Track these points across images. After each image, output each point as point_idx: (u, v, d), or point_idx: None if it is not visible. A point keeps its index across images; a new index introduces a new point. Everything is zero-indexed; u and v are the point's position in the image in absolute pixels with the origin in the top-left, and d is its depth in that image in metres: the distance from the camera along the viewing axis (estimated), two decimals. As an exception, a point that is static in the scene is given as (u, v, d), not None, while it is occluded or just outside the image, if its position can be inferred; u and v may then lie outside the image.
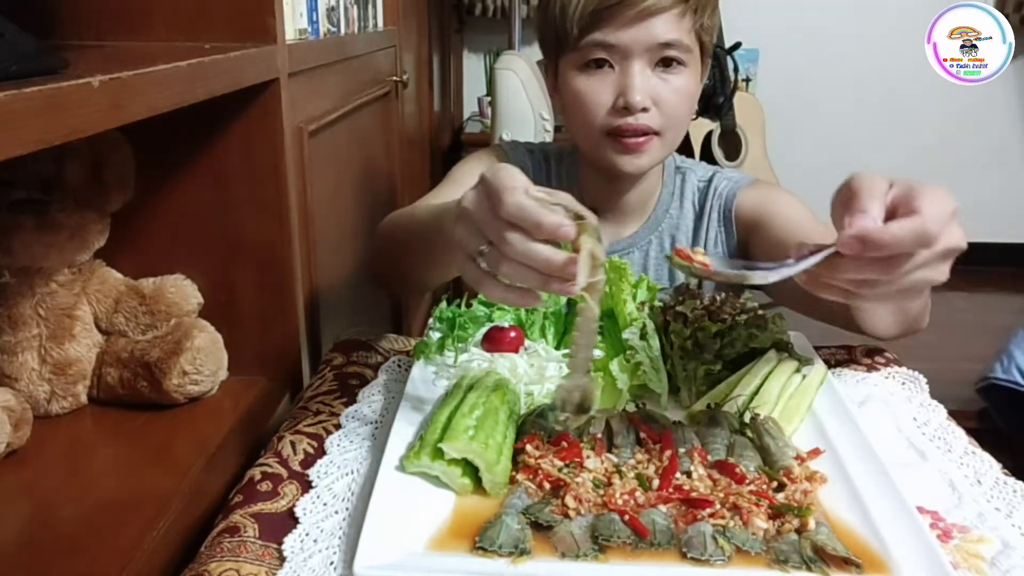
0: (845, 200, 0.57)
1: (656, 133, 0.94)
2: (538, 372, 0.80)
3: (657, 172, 1.07)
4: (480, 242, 0.59)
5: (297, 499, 0.65)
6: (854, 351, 0.94)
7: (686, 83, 0.95)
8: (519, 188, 0.57)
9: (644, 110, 0.92)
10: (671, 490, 0.63)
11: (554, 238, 0.56)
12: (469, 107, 3.60)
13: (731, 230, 1.06)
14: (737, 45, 2.77)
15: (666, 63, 0.93)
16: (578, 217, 0.57)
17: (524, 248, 0.56)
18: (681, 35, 0.92)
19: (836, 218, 0.58)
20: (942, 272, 0.58)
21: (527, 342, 0.84)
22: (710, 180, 1.09)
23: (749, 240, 1.05)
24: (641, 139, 0.94)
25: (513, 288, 0.60)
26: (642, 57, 0.92)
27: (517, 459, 0.66)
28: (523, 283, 0.58)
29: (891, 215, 0.55)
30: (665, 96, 0.93)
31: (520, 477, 0.64)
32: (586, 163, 1.06)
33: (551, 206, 0.57)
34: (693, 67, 0.96)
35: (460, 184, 1.03)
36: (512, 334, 0.83)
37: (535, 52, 1.05)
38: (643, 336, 0.80)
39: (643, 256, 1.08)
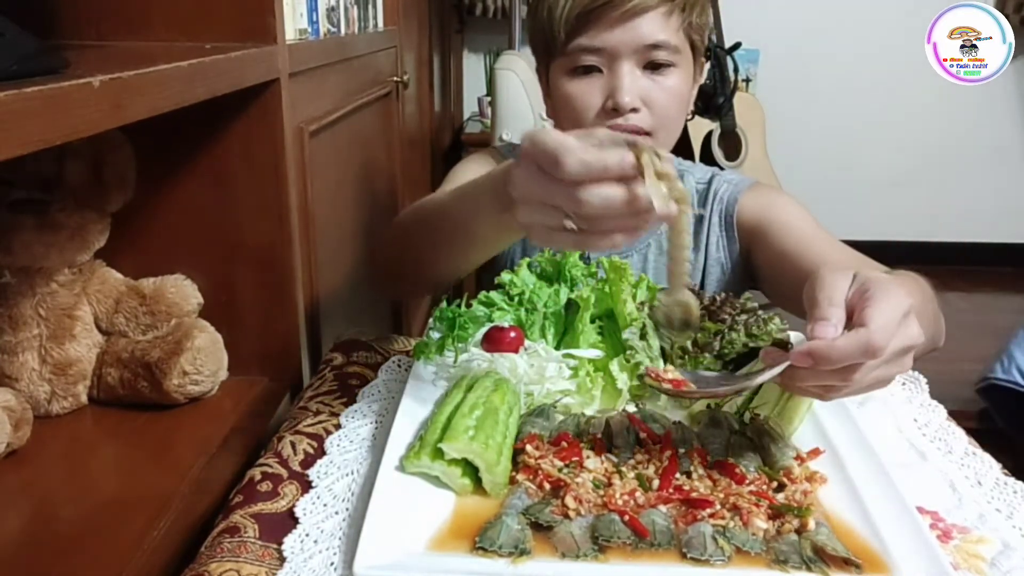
0: (808, 302, 0.61)
1: (647, 134, 0.94)
2: (538, 372, 0.80)
3: None
4: (555, 216, 0.58)
5: (297, 499, 0.65)
6: (854, 351, 0.94)
7: (676, 83, 0.94)
8: (569, 147, 0.55)
9: (634, 111, 0.92)
10: (671, 490, 0.63)
11: (622, 174, 0.55)
12: (469, 107, 3.60)
13: (733, 235, 1.06)
14: (737, 45, 2.77)
15: (655, 66, 0.93)
16: (627, 143, 0.57)
17: (602, 200, 0.55)
18: (669, 35, 0.92)
19: (808, 313, 0.61)
20: (902, 366, 0.61)
21: (527, 342, 0.84)
22: (709, 183, 1.09)
23: (752, 247, 1.05)
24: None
25: (619, 223, 0.58)
26: (630, 58, 0.92)
27: (517, 459, 0.66)
28: (614, 227, 0.57)
29: (849, 315, 0.59)
30: (655, 96, 0.93)
31: (520, 477, 0.64)
32: None
33: (599, 144, 0.56)
34: (684, 67, 0.95)
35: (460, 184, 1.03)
36: (512, 334, 0.83)
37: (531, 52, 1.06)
38: (643, 336, 0.80)
39: (642, 259, 1.08)
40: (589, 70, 0.93)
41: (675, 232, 0.62)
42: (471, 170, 1.05)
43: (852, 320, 0.59)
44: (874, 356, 0.57)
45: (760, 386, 0.69)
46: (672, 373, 0.66)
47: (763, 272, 1.04)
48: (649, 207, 0.56)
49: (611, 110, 0.92)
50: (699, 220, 1.09)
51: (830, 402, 0.75)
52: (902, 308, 0.59)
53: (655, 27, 0.91)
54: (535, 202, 0.59)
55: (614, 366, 0.78)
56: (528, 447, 0.67)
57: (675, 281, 0.65)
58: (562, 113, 0.98)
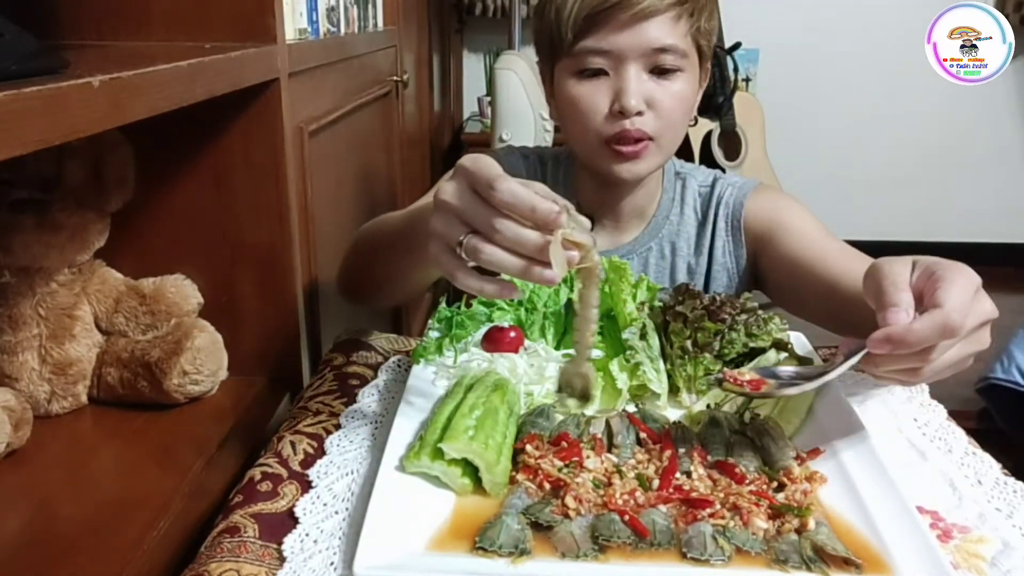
0: (874, 292, 0.62)
1: (652, 139, 0.94)
2: (538, 372, 0.80)
3: (656, 178, 1.07)
4: (460, 231, 0.59)
5: (297, 499, 0.65)
6: (854, 351, 0.94)
7: (683, 88, 0.94)
8: (506, 177, 0.58)
9: (639, 114, 0.92)
10: (671, 490, 0.63)
11: (545, 224, 0.57)
12: (469, 107, 3.60)
13: (740, 240, 1.06)
14: (737, 45, 2.77)
15: (662, 71, 0.93)
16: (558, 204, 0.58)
17: (515, 234, 0.57)
18: (677, 40, 0.91)
19: (871, 305, 0.62)
20: (981, 342, 0.62)
21: (527, 342, 0.84)
22: (712, 186, 1.08)
23: (759, 252, 1.04)
24: (638, 147, 0.93)
25: (491, 279, 0.61)
26: (637, 61, 0.91)
27: (517, 459, 0.66)
28: (505, 271, 0.59)
29: (918, 299, 0.60)
30: (661, 100, 0.92)
31: (520, 477, 0.64)
32: (583, 169, 1.05)
33: (534, 192, 0.58)
34: (691, 72, 0.95)
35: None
36: (512, 334, 0.83)
37: (535, 52, 1.05)
38: (643, 336, 0.80)
39: (643, 263, 1.08)
40: (595, 72, 0.93)
41: (583, 305, 0.64)
42: None
43: (923, 303, 0.59)
44: (953, 335, 0.57)
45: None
46: (749, 374, 0.66)
47: (770, 276, 1.03)
48: (545, 267, 0.57)
49: (617, 113, 0.92)
50: (701, 224, 1.08)
51: (830, 402, 0.75)
52: (973, 285, 0.60)
53: (663, 31, 0.90)
54: (452, 212, 0.60)
55: (614, 366, 0.78)
56: (528, 447, 0.67)
57: (580, 352, 0.67)
58: (567, 115, 0.98)
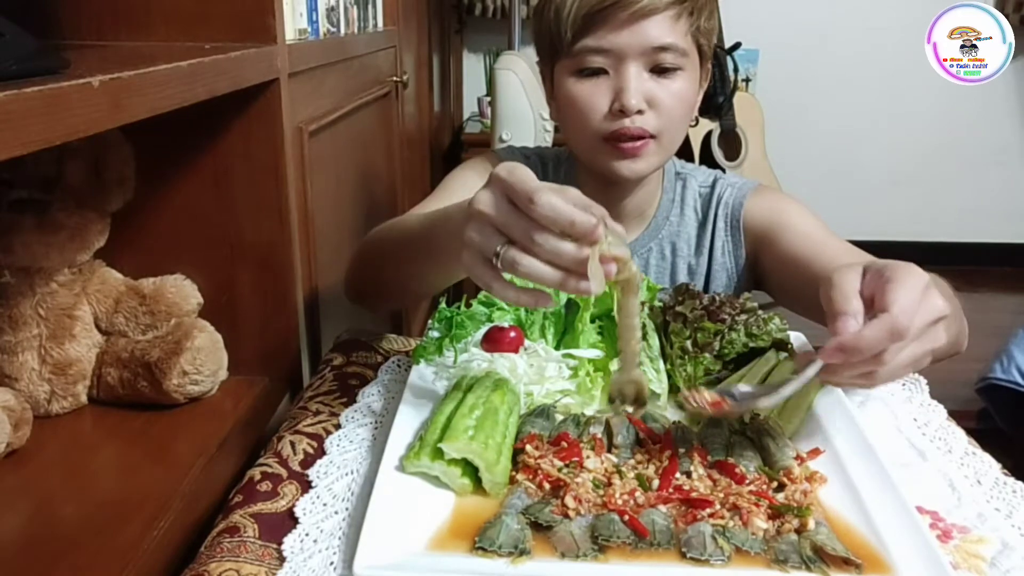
0: (825, 301, 0.62)
1: (653, 137, 0.94)
2: (538, 372, 0.80)
3: (656, 178, 1.07)
4: (497, 242, 0.59)
5: (297, 499, 0.65)
6: (854, 351, 0.94)
7: (683, 87, 0.94)
8: (546, 187, 0.57)
9: (640, 113, 0.92)
10: (671, 490, 0.63)
11: (584, 238, 0.57)
12: (469, 107, 3.60)
13: (739, 240, 1.06)
14: (737, 45, 2.77)
15: (662, 70, 0.92)
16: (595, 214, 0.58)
17: (553, 247, 0.57)
18: (676, 38, 0.91)
19: (827, 313, 0.62)
20: (934, 341, 0.61)
21: (527, 342, 0.84)
22: (712, 186, 1.08)
23: (759, 252, 1.04)
24: (638, 143, 0.93)
25: (527, 289, 0.61)
26: (637, 60, 0.91)
27: (517, 459, 0.66)
28: (542, 283, 0.59)
29: (868, 304, 0.60)
30: (661, 99, 0.92)
31: (520, 477, 0.64)
32: (584, 169, 1.05)
33: (570, 200, 0.58)
34: (691, 71, 0.95)
35: (455, 192, 1.02)
36: (512, 334, 0.83)
37: (535, 52, 1.05)
38: (643, 336, 0.80)
39: (643, 263, 1.08)
40: (595, 72, 0.93)
41: (623, 314, 0.65)
42: (467, 177, 1.05)
43: (875, 306, 0.60)
44: (902, 338, 0.58)
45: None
46: (709, 395, 0.67)
47: (771, 277, 1.03)
48: (582, 278, 0.58)
49: (617, 112, 0.92)
50: (701, 224, 1.08)
51: (830, 402, 0.75)
52: (921, 284, 0.60)
53: (663, 29, 0.91)
54: (487, 222, 0.60)
55: (614, 366, 0.78)
56: (528, 447, 0.67)
57: (627, 360, 0.68)
58: (567, 115, 0.98)
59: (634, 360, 0.68)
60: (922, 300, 0.59)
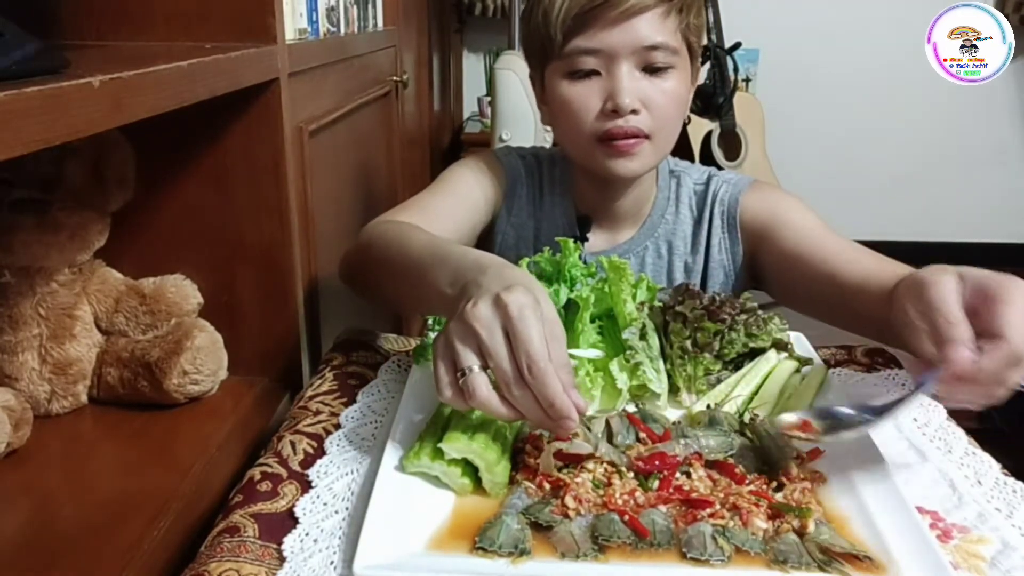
0: (925, 320, 0.60)
1: (646, 136, 0.94)
2: (538, 372, 0.79)
3: (651, 177, 1.06)
4: (472, 362, 0.59)
5: (297, 499, 0.65)
6: (854, 351, 0.94)
7: (675, 86, 0.94)
8: (546, 352, 0.57)
9: (634, 112, 0.92)
10: (671, 490, 0.63)
11: (556, 429, 0.59)
12: (469, 107, 3.60)
13: (736, 237, 1.05)
14: (737, 45, 2.77)
15: (653, 70, 0.92)
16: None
17: (526, 404, 0.58)
18: (667, 37, 0.91)
19: (911, 329, 0.61)
20: None
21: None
22: (707, 184, 1.08)
23: (757, 248, 1.04)
24: (631, 141, 0.93)
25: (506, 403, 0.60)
26: (628, 60, 0.91)
27: (517, 459, 0.66)
28: (494, 416, 0.60)
29: (971, 317, 0.59)
30: (654, 98, 0.92)
31: (520, 477, 0.64)
32: (578, 169, 1.05)
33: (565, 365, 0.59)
34: (682, 69, 0.95)
35: (452, 192, 1.02)
36: (512, 334, 0.83)
37: (524, 57, 1.05)
38: (643, 336, 0.80)
39: (639, 263, 1.07)
40: (587, 74, 0.93)
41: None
42: (466, 176, 1.05)
43: (980, 325, 0.59)
44: (1021, 363, 0.57)
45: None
46: (798, 416, 0.66)
47: (770, 273, 1.03)
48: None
49: (610, 112, 0.92)
50: (697, 222, 1.08)
51: (830, 402, 0.75)
52: None
53: (653, 28, 0.91)
54: (474, 339, 0.59)
55: (614, 366, 0.78)
56: (528, 447, 0.67)
57: None
58: (560, 117, 0.97)
59: None
60: None
